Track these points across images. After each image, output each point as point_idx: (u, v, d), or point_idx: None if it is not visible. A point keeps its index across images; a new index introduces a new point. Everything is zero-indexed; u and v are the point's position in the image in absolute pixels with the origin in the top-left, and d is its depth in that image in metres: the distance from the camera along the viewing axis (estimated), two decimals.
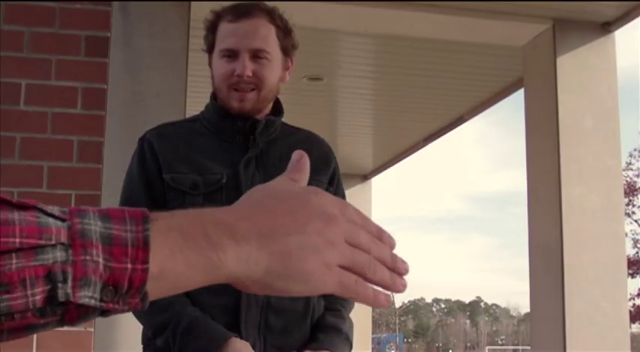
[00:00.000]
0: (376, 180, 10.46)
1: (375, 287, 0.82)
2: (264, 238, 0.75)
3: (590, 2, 4.70)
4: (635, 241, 25.99)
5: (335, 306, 2.16)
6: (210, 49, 2.22)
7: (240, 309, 2.00)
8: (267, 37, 2.12)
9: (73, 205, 3.86)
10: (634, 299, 24.89)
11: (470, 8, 4.82)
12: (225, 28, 2.15)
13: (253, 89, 2.12)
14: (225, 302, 2.00)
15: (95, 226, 0.68)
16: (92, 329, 3.88)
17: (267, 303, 2.02)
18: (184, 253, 0.71)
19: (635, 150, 25.04)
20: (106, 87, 4.10)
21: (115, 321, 3.84)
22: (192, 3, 4.38)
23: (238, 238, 0.74)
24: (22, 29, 4.03)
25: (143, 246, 0.69)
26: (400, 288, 0.83)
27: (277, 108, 2.26)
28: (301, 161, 0.88)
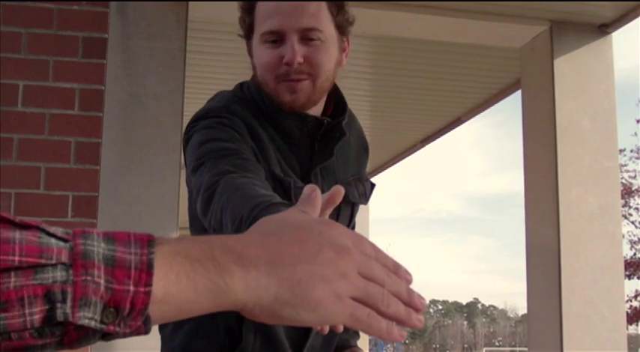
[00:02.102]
0: (374, 181, 10.46)
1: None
2: (272, 265, 0.75)
3: (587, 4, 4.71)
4: (632, 243, 25.97)
5: None
6: (248, 33, 1.84)
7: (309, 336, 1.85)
8: (319, 12, 1.75)
9: (70, 206, 3.87)
10: (631, 300, 24.88)
11: (467, 10, 4.82)
12: (265, 6, 1.77)
13: (307, 78, 1.75)
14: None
15: (98, 248, 0.67)
16: None
17: None
18: (190, 277, 0.71)
19: (630, 151, 24.99)
20: (103, 88, 4.10)
21: None
22: (190, 5, 4.39)
23: (246, 264, 0.74)
24: (20, 30, 4.03)
25: (147, 269, 0.68)
26: (416, 324, 0.82)
27: (337, 99, 1.91)
28: (312, 195, 0.88)
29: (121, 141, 4.13)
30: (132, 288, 0.67)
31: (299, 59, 1.71)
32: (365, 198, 1.98)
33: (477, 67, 6.06)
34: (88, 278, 0.65)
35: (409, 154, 8.92)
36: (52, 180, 3.95)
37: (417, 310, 0.83)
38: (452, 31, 5.15)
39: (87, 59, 4.08)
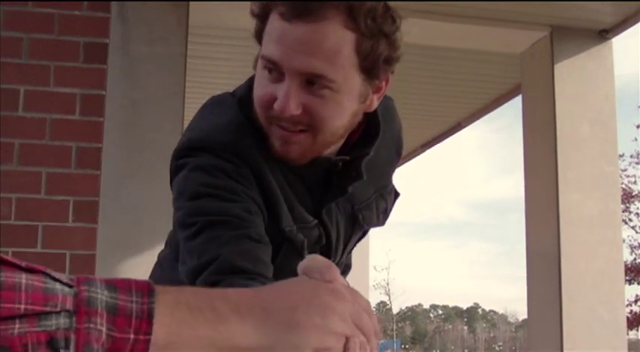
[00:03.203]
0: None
1: None
2: (268, 311, 0.78)
3: (587, 10, 4.71)
4: (633, 248, 25.94)
5: None
6: (258, 40, 1.40)
7: None
8: (337, 54, 1.30)
9: (71, 211, 3.87)
10: (631, 305, 24.84)
11: (467, 15, 4.83)
12: (273, 25, 1.34)
13: (305, 131, 1.37)
14: None
15: (102, 295, 0.69)
16: None
17: None
18: (191, 326, 0.73)
19: (630, 156, 25.00)
20: (104, 93, 4.10)
21: None
22: (191, 10, 4.39)
23: (243, 312, 0.77)
24: (21, 35, 4.03)
25: (147, 318, 0.70)
26: None
27: (372, 123, 1.52)
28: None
29: (122, 145, 4.14)
30: (132, 336, 0.69)
31: (292, 111, 1.32)
32: (384, 217, 1.68)
33: (477, 72, 6.06)
34: (91, 325, 0.67)
35: (409, 159, 8.92)
36: (52, 184, 3.95)
37: None
38: (452, 36, 5.16)
39: (88, 64, 4.08)
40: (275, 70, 1.33)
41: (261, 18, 1.37)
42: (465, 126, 7.38)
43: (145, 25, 4.31)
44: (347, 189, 1.50)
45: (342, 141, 1.48)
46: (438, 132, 7.79)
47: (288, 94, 1.31)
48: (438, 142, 8.04)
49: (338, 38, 1.29)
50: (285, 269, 1.29)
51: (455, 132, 7.62)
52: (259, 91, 1.38)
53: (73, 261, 3.91)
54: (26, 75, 4.01)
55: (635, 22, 4.82)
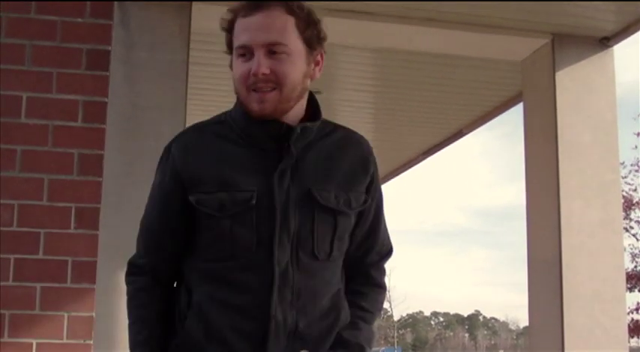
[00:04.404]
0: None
1: None
2: None
3: (588, 18, 4.72)
4: (634, 255, 25.84)
5: (352, 319, 2.01)
6: (229, 49, 1.99)
7: (268, 337, 1.85)
8: (285, 28, 1.90)
9: (73, 218, 3.88)
10: (632, 313, 24.76)
11: (469, 22, 4.84)
12: (239, 24, 1.93)
13: (274, 88, 1.89)
14: (250, 327, 1.87)
15: None
16: (91, 342, 3.88)
17: (295, 330, 1.87)
18: None
19: (630, 164, 24.95)
20: (106, 100, 4.11)
21: (114, 332, 3.84)
22: (193, 16, 4.40)
23: None
24: (24, 42, 4.05)
25: None
26: None
27: (314, 110, 2.03)
28: None
29: (124, 152, 4.14)
30: None
31: (264, 70, 1.87)
32: (348, 207, 1.98)
33: (478, 80, 6.07)
34: None
35: (411, 166, 8.93)
36: (54, 191, 3.95)
37: None
38: (453, 44, 5.17)
39: (90, 71, 4.09)
40: (247, 52, 1.90)
41: (229, 29, 1.96)
42: (467, 133, 7.38)
43: (146, 32, 4.32)
44: (293, 152, 1.92)
45: (298, 118, 1.98)
46: (440, 139, 7.79)
47: (259, 61, 1.87)
48: (440, 149, 8.05)
49: (283, 19, 1.91)
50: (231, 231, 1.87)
51: (457, 139, 7.63)
52: (239, 71, 1.91)
53: (74, 267, 3.91)
54: (28, 82, 4.02)
55: (637, 30, 4.82)
